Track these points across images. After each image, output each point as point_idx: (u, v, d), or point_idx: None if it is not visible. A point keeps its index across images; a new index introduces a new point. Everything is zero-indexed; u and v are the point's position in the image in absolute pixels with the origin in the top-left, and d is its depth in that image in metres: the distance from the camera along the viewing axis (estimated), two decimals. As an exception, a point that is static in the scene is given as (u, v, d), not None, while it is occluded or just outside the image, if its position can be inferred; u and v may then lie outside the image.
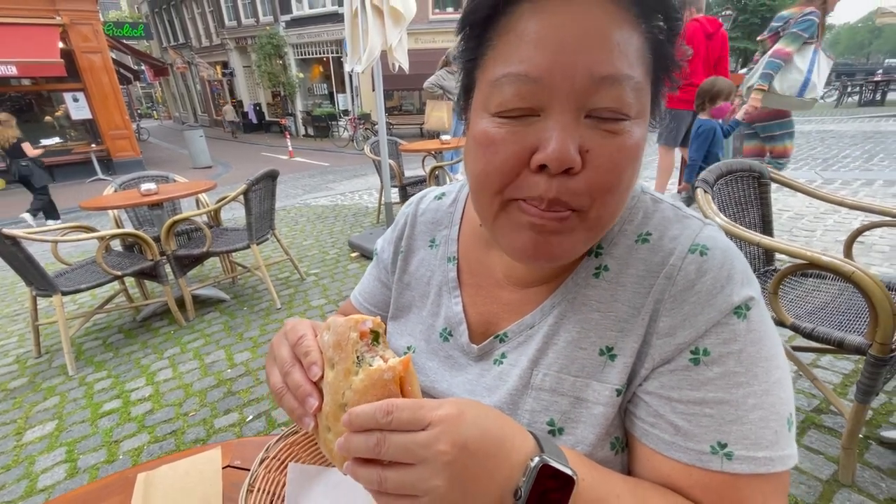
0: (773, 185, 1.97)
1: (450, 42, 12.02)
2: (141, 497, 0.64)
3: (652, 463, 0.45)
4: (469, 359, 0.60)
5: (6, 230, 2.36)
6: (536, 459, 0.36)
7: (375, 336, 0.43)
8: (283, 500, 0.58)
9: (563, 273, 0.53)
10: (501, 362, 0.56)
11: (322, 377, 0.44)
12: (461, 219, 0.67)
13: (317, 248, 4.58)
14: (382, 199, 4.53)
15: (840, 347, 1.39)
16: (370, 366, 0.39)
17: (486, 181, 0.43)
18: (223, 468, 0.69)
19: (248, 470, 0.59)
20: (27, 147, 6.38)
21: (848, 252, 1.91)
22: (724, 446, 0.40)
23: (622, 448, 0.49)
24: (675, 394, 0.43)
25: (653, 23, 0.40)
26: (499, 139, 0.41)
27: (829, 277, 1.82)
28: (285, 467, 0.62)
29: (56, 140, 10.17)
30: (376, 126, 4.05)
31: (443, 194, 0.71)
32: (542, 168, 0.40)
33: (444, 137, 4.75)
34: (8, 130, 6.20)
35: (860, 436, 1.49)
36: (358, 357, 0.41)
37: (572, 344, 0.50)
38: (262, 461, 0.60)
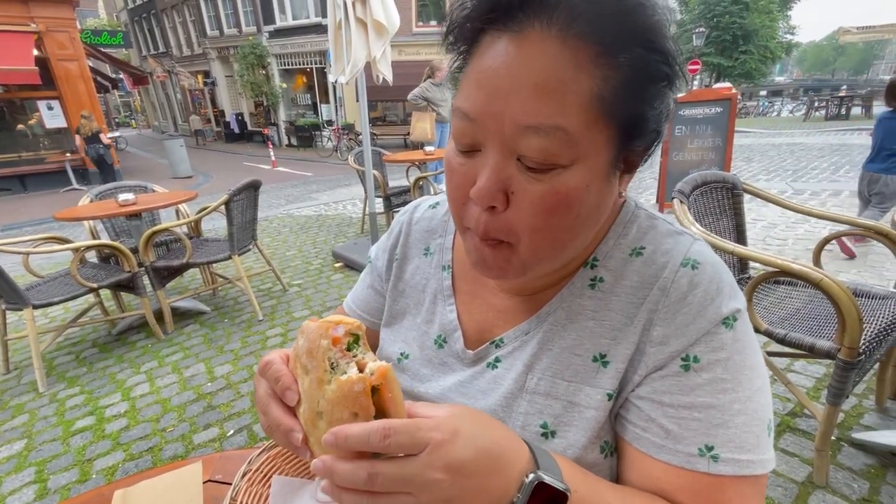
0: (746, 196, 2.04)
1: (433, 54, 12.17)
2: (118, 514, 0.62)
3: (642, 466, 0.46)
4: (463, 364, 0.61)
5: (-26, 242, 2.28)
6: (531, 476, 0.37)
7: (355, 339, 0.42)
8: (266, 512, 0.57)
9: (559, 283, 0.55)
10: (496, 366, 0.57)
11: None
12: (455, 228, 0.68)
13: (300, 258, 4.53)
14: (367, 209, 4.52)
15: (811, 352, 1.44)
16: (343, 374, 0.39)
17: (450, 205, 0.48)
18: (204, 482, 0.68)
19: (230, 484, 0.58)
20: (103, 136, 8.85)
21: (817, 260, 1.98)
22: (710, 448, 0.42)
23: (611, 452, 0.50)
24: (666, 398, 0.45)
25: (621, 57, 0.37)
26: (455, 169, 0.45)
27: (800, 284, 1.89)
28: (268, 480, 0.61)
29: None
30: (360, 136, 4.06)
31: (437, 203, 0.73)
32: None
33: (429, 148, 4.79)
34: (92, 123, 8.70)
35: (832, 438, 1.54)
36: (332, 364, 0.40)
37: (567, 350, 0.51)
38: (244, 474, 0.59)
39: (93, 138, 8.67)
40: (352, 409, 0.37)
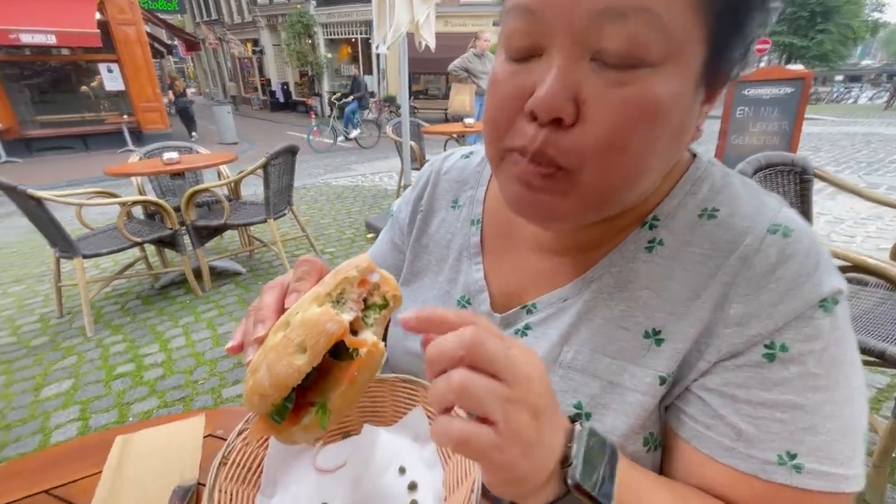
0: (815, 186, 1.83)
1: (480, 26, 11.77)
2: (116, 459, 0.61)
3: (700, 469, 0.39)
4: None
5: (31, 190, 2.40)
6: (583, 426, 0.33)
7: (381, 306, 0.39)
8: (259, 475, 0.54)
9: (607, 243, 0.47)
10: (525, 334, 0.52)
11: None
12: (490, 179, 0.62)
13: (334, 227, 4.58)
14: (402, 181, 4.48)
15: (881, 358, 1.28)
16: (338, 314, 0.35)
17: (487, 127, 0.40)
18: (206, 437, 0.66)
19: (238, 428, 0.55)
20: (188, 92, 10.73)
21: (895, 257, 1.76)
22: (793, 457, 0.35)
23: (656, 446, 0.43)
24: (741, 393, 0.37)
25: None
26: (501, 81, 0.38)
27: (872, 284, 1.69)
28: (266, 441, 0.58)
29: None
30: (401, 109, 3.99)
31: (471, 153, 0.67)
32: (534, 116, 0.35)
33: (468, 121, 4.66)
34: (181, 83, 11.47)
35: (894, 455, 1.38)
36: (339, 295, 0.37)
37: (612, 322, 0.45)
38: (240, 433, 0.55)
39: (182, 94, 11.28)
40: (309, 341, 0.34)
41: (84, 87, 10.34)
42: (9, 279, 3.52)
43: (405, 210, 0.69)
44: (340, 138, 10.69)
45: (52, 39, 8.49)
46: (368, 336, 0.37)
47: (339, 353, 0.36)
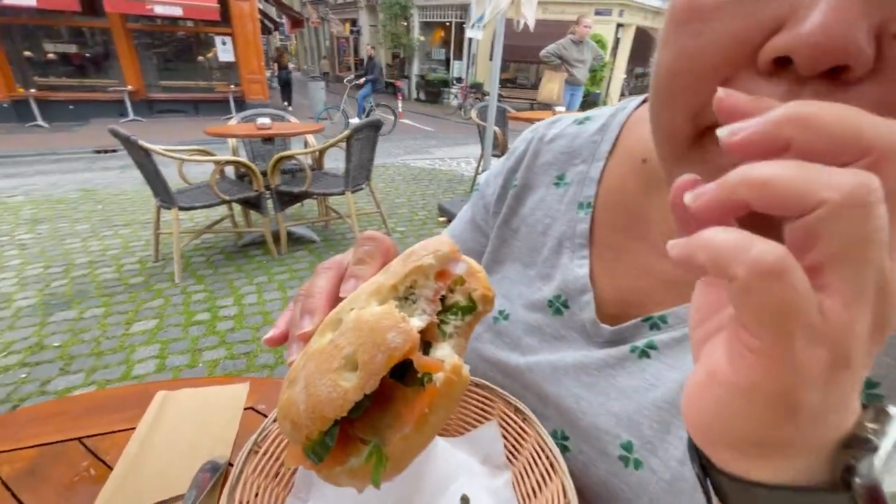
0: None
1: (580, 9, 11.13)
2: (153, 416, 0.56)
3: None
4: (591, 342, 0.42)
5: (141, 142, 2.60)
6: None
7: (466, 309, 0.28)
8: (294, 472, 0.45)
9: None
10: (647, 355, 0.39)
11: None
12: (610, 151, 0.48)
13: (407, 207, 4.58)
14: (481, 166, 4.35)
15: None
16: (405, 319, 0.24)
17: (674, 84, 0.27)
18: (246, 409, 0.59)
19: (276, 413, 0.46)
20: (290, 65, 11.83)
21: None
22: None
23: None
24: None
25: None
26: (710, 7, 0.25)
27: None
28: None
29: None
30: (487, 97, 3.85)
31: (587, 118, 0.53)
32: (780, 65, 0.22)
33: (559, 109, 4.39)
34: (286, 57, 11.31)
35: None
36: (409, 289, 0.27)
37: None
38: (276, 419, 0.47)
39: (284, 67, 12.10)
40: (363, 355, 0.24)
41: (200, 58, 11.32)
42: (120, 222, 3.92)
43: (494, 184, 0.57)
44: (354, 120, 10.89)
45: (179, 11, 9.35)
46: (447, 354, 0.26)
47: (404, 372, 0.25)
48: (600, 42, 11.04)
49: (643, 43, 14.35)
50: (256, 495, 0.40)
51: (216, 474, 0.48)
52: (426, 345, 0.27)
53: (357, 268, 0.31)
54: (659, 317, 0.40)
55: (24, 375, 2.04)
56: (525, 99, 15.29)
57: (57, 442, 0.52)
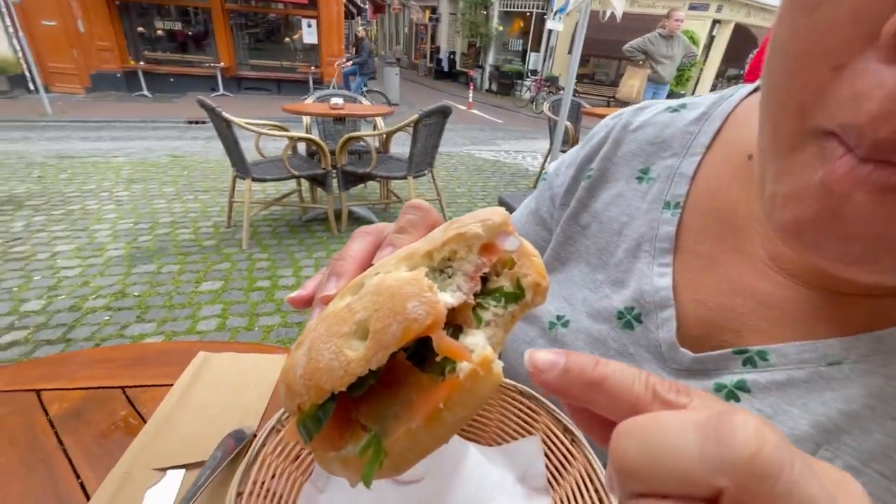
0: None
1: (672, 2, 10.39)
2: (191, 375, 0.56)
3: None
4: (664, 367, 0.36)
5: (224, 113, 2.75)
6: None
7: (513, 296, 0.23)
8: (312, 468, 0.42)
9: None
10: (736, 397, 0.32)
11: None
12: (709, 146, 0.41)
13: (467, 197, 4.53)
14: (548, 160, 4.20)
15: None
16: (432, 289, 0.20)
17: (784, 69, 0.23)
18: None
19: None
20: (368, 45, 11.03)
21: None
22: None
23: None
24: None
25: None
26: None
27: None
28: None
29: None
30: (561, 91, 3.69)
31: (682, 106, 0.46)
32: None
33: (638, 107, 4.12)
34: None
35: None
36: (446, 260, 0.22)
37: None
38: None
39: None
40: (375, 322, 0.20)
41: (286, 39, 11.92)
42: (201, 188, 4.22)
43: (564, 174, 0.50)
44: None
45: (272, -7, 9.88)
46: (478, 343, 0.20)
47: (425, 356, 0.20)
48: (692, 38, 10.23)
49: (741, 42, 13.10)
50: (273, 477, 0.38)
51: (241, 444, 0.47)
52: (456, 329, 0.22)
53: (396, 236, 0.27)
54: (758, 352, 0.32)
55: (107, 318, 2.25)
56: (602, 96, 14.63)
57: (102, 388, 0.54)
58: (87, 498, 0.41)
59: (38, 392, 0.53)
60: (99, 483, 0.42)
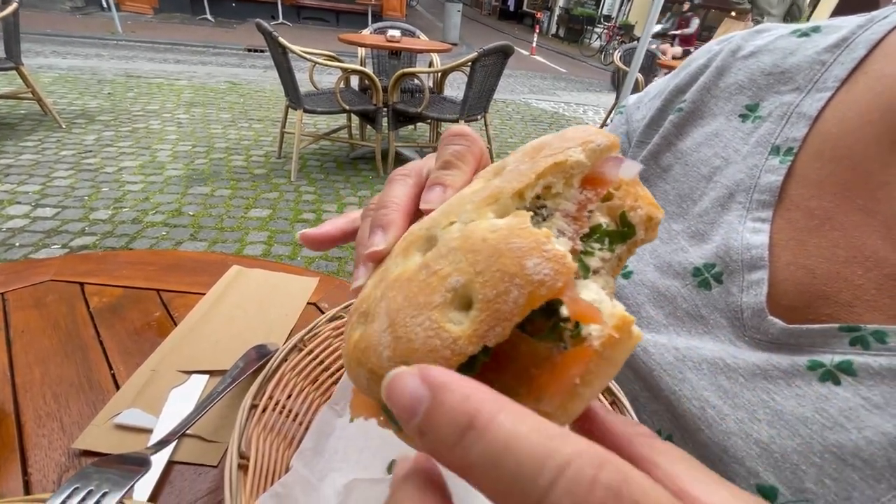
0: None
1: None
2: (223, 287, 0.55)
3: None
4: (744, 337, 0.32)
5: (280, 38, 2.70)
6: None
7: (623, 235, 0.19)
8: (337, 381, 0.41)
9: None
10: (836, 380, 0.27)
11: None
12: (847, 77, 0.33)
13: (519, 148, 4.36)
14: (611, 116, 3.91)
15: None
16: (549, 239, 0.15)
17: None
18: (309, 303, 0.56)
19: (331, 314, 0.42)
20: None
21: None
22: None
23: None
24: None
25: None
26: None
27: None
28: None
29: None
30: (635, 42, 3.33)
31: (815, 29, 0.37)
32: None
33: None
34: None
35: None
36: (538, 205, 0.18)
37: None
38: (332, 319, 0.42)
39: None
40: (482, 288, 0.15)
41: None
42: (255, 117, 4.28)
43: (648, 106, 0.43)
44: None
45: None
46: (601, 299, 0.16)
47: (533, 319, 0.16)
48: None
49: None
50: (290, 397, 0.36)
51: (263, 359, 0.46)
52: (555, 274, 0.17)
53: (444, 173, 0.22)
54: (873, 332, 0.26)
55: (164, 233, 2.38)
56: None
57: (140, 288, 0.55)
58: (117, 388, 0.42)
59: (81, 285, 0.54)
60: (129, 376, 0.43)
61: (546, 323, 0.16)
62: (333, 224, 0.26)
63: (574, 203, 0.18)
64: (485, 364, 0.16)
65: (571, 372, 0.15)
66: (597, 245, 0.18)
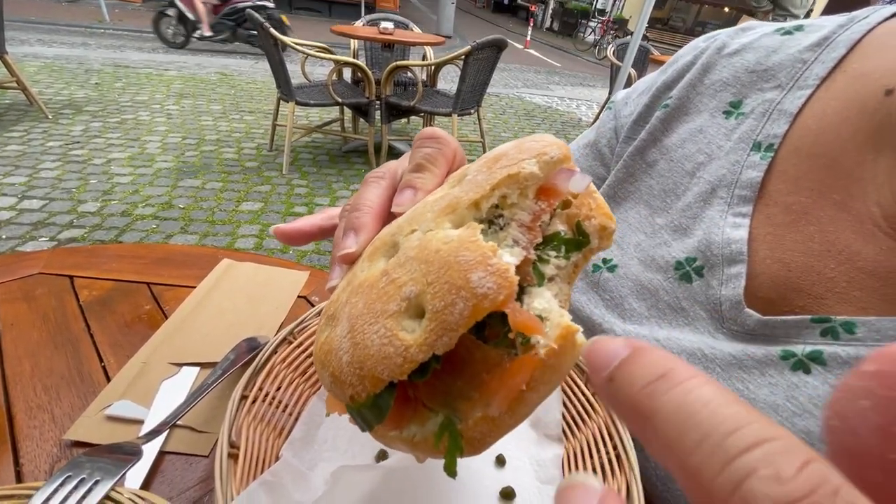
0: None
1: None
2: (214, 280, 0.56)
3: None
4: (722, 329, 0.33)
5: (272, 30, 2.67)
6: None
7: (574, 244, 0.20)
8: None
9: None
10: (807, 369, 0.28)
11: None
12: (827, 76, 0.34)
13: (512, 143, 4.36)
14: (604, 111, 3.92)
15: None
16: (496, 253, 0.16)
17: None
18: (299, 297, 0.57)
19: (321, 307, 0.42)
20: None
21: None
22: None
23: None
24: None
25: None
26: None
27: None
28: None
29: None
30: (629, 36, 3.34)
31: (798, 28, 0.39)
32: None
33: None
34: None
35: None
36: (493, 213, 0.19)
37: None
38: (321, 314, 0.43)
39: None
40: (432, 300, 0.16)
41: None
42: (246, 108, 4.23)
43: (636, 102, 0.44)
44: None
45: None
46: (550, 309, 0.17)
47: (482, 324, 0.17)
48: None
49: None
50: (279, 389, 0.37)
51: (253, 351, 0.47)
52: (519, 292, 0.18)
53: (415, 176, 0.23)
54: (843, 323, 0.27)
55: (154, 226, 2.36)
56: (675, 45, 13.35)
57: (130, 281, 0.55)
58: (108, 380, 0.43)
59: (71, 278, 0.54)
60: (119, 369, 0.44)
61: (502, 330, 0.17)
62: (308, 221, 0.27)
63: (529, 213, 0.19)
64: (438, 369, 0.17)
65: (518, 378, 0.16)
66: (553, 253, 0.19)
